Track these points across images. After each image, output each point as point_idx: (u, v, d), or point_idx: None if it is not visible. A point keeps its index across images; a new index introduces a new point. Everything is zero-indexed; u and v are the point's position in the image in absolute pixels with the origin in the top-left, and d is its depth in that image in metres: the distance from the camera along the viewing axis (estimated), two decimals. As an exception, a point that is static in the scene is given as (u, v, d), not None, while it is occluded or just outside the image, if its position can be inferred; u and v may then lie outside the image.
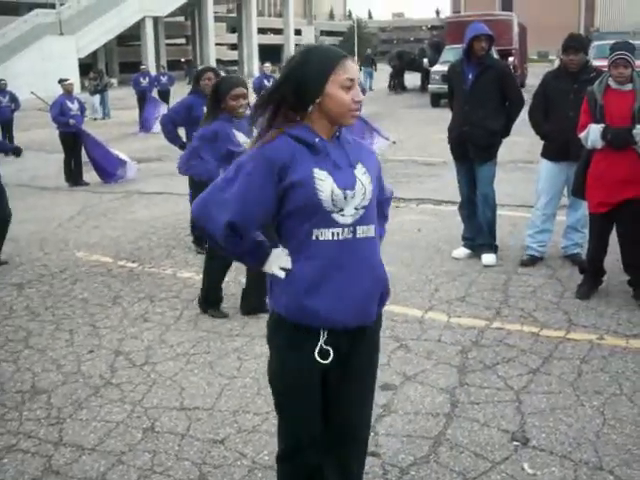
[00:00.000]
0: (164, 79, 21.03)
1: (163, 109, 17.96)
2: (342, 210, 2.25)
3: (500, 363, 4.37)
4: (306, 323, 2.29)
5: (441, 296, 5.59)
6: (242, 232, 2.28)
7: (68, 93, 11.80)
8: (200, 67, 53.05)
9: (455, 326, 4.98)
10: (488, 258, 6.34)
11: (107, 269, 6.70)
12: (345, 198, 2.24)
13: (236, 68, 65.35)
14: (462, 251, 6.58)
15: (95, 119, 23.54)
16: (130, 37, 58.51)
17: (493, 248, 6.42)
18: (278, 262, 2.31)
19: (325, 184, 2.22)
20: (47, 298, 5.96)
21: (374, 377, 2.57)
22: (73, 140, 11.56)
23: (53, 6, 51.83)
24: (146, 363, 4.60)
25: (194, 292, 5.84)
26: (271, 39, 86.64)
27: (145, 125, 19.17)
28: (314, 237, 2.24)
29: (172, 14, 60.93)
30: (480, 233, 6.42)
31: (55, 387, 4.33)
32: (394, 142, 12.60)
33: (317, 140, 2.25)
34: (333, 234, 2.25)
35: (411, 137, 15.04)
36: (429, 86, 23.98)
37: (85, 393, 4.22)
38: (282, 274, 2.30)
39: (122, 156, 11.73)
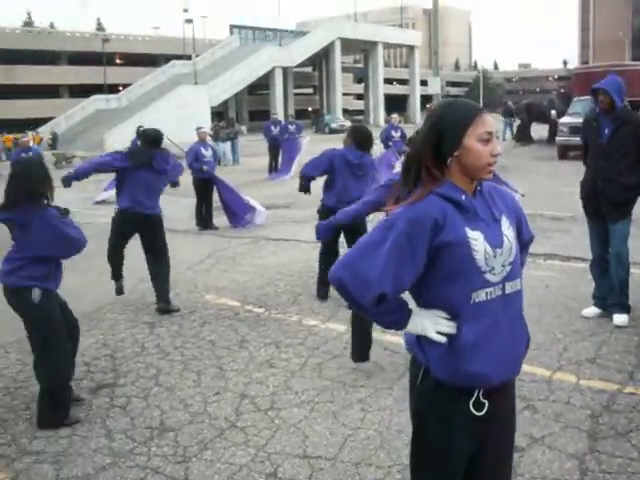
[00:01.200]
0: (292, 127, 21.64)
1: (297, 156, 18.64)
2: (493, 269, 2.23)
3: (634, 431, 4.14)
4: (465, 385, 2.25)
5: (570, 356, 5.38)
6: (390, 297, 2.24)
7: (202, 141, 12.34)
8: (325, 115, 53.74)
9: (585, 389, 4.78)
10: (620, 318, 6.07)
11: (234, 313, 6.89)
12: (495, 256, 2.23)
13: (362, 117, 66.44)
14: (592, 310, 6.33)
15: (225, 165, 24.47)
16: (260, 86, 60.82)
17: (625, 308, 6.14)
18: (436, 326, 2.24)
19: (479, 244, 2.20)
20: (177, 338, 6.20)
21: (514, 432, 2.50)
22: (205, 185, 12.05)
23: (189, 57, 54.79)
24: (271, 408, 4.67)
25: (319, 340, 5.91)
26: (397, 89, 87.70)
27: (281, 171, 19.91)
28: (472, 300, 2.20)
29: (301, 64, 62.92)
30: (612, 292, 6.17)
31: (182, 426, 4.48)
32: (522, 195, 12.36)
33: (464, 197, 2.24)
34: (487, 294, 2.22)
35: (538, 190, 14.67)
36: (557, 138, 23.41)
37: (210, 434, 4.34)
38: (442, 339, 2.23)
39: (252, 202, 12.09)
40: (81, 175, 7.22)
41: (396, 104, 63.91)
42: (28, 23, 76.82)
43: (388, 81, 78.72)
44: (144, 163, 6.95)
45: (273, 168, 21.17)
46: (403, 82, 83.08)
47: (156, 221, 7.15)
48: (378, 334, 5.45)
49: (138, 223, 7.09)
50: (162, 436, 4.36)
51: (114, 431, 4.46)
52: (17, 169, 4.71)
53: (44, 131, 45.15)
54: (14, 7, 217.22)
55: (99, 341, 6.19)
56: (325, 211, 6.87)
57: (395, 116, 17.46)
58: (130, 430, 4.46)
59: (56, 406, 4.60)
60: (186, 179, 13.58)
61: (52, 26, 73.36)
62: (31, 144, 17.83)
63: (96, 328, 6.55)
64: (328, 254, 6.94)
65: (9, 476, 4.03)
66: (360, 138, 7.11)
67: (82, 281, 8.07)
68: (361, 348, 5.21)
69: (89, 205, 15.73)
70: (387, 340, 5.70)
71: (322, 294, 7.15)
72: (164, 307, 7.00)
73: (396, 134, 15.95)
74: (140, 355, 5.79)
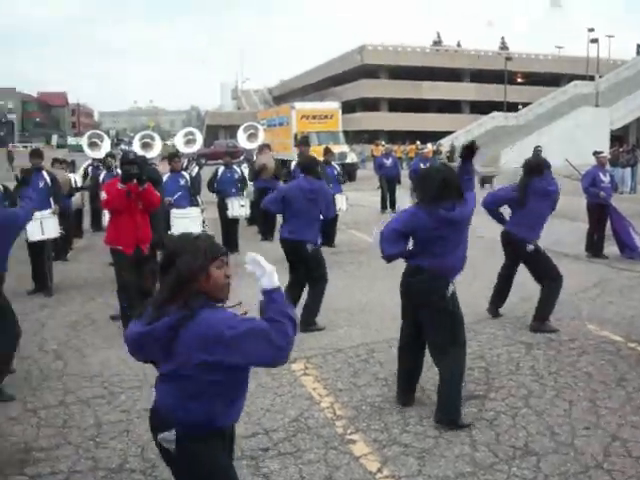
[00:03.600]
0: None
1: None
2: None
3: None
4: None
5: None
6: None
7: (602, 165, 11.86)
8: None
9: None
10: None
11: (616, 348, 6.54)
12: None
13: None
14: None
15: (622, 193, 23.13)
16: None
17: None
18: None
19: None
20: (552, 363, 6.11)
21: None
22: (600, 211, 11.54)
23: (592, 78, 52.81)
24: (645, 456, 4.38)
25: None
26: None
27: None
28: None
29: None
30: None
31: (546, 453, 4.43)
32: None
33: None
34: None
35: None
36: None
37: (574, 468, 4.23)
38: None
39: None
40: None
41: None
42: (437, 42, 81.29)
43: None
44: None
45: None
46: None
47: None
48: None
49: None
50: (524, 458, 4.37)
51: (478, 442, 4.60)
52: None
53: (444, 144, 47.40)
54: (426, 28, 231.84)
55: (475, 352, 6.39)
56: None
57: None
58: (494, 445, 4.56)
59: None
60: (577, 202, 13.27)
61: (458, 45, 76.50)
62: (430, 155, 18.82)
63: (474, 339, 6.75)
64: None
65: (378, 459, 4.43)
66: None
67: (468, 290, 8.36)
68: None
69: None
70: None
71: None
72: (537, 327, 7.07)
73: None
74: (514, 374, 5.85)
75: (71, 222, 12.72)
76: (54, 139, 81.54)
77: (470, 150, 5.36)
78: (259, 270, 2.76)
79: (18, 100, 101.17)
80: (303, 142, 11.69)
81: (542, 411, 5.06)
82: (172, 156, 11.24)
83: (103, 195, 7.48)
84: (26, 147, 66.42)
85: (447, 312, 4.91)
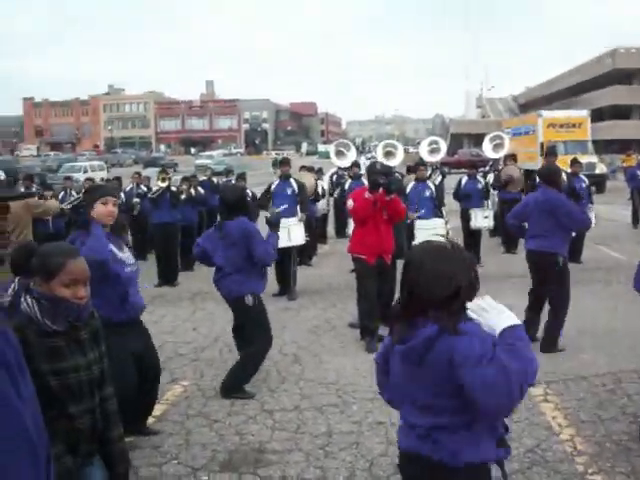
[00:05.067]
0: None
1: None
2: None
3: None
4: None
5: None
6: None
7: None
8: None
9: None
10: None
11: None
12: None
13: None
14: None
15: None
16: None
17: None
18: None
19: None
20: None
21: None
22: None
23: None
24: None
25: None
26: None
27: None
28: None
29: None
30: None
31: None
32: None
33: None
34: None
35: None
36: None
37: None
38: None
39: None
40: None
41: None
42: None
43: None
44: None
45: None
46: None
47: None
48: None
49: None
50: None
51: None
52: None
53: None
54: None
55: None
56: None
57: None
58: None
59: None
60: None
61: None
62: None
63: None
64: None
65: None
66: None
67: None
68: None
69: None
70: None
71: None
72: None
73: None
74: None
75: (316, 228, 13.21)
76: (304, 147, 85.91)
77: None
78: (487, 315, 2.51)
79: (272, 110, 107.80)
80: (550, 152, 11.03)
81: None
82: (418, 164, 11.19)
83: (350, 203, 7.61)
84: (278, 154, 70.75)
85: None
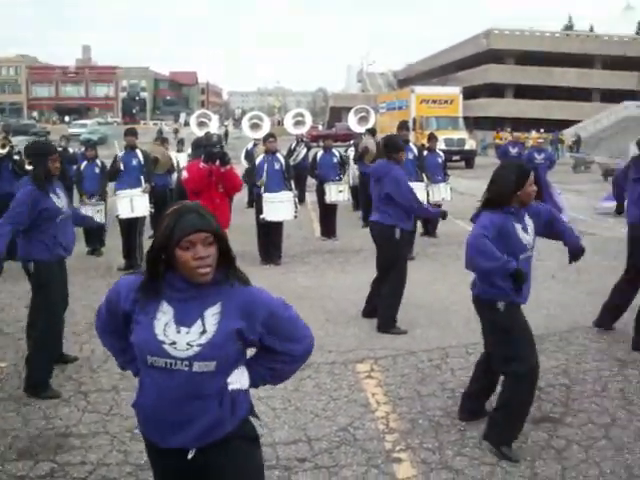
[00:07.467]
0: None
1: None
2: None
3: None
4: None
5: None
6: None
7: None
8: None
9: None
10: None
11: None
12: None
13: None
14: None
15: None
16: None
17: None
18: None
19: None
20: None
21: None
22: None
23: None
24: None
25: None
26: None
27: None
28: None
29: None
30: None
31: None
32: None
33: None
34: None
35: None
36: None
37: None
38: None
39: None
40: None
41: None
42: (569, 27, 77.80)
43: None
44: None
45: None
46: None
47: None
48: None
49: None
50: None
51: (540, 476, 4.04)
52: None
53: (567, 133, 45.14)
54: (558, 12, 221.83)
55: (560, 367, 5.77)
56: None
57: None
58: (558, 481, 3.98)
59: None
60: None
61: (591, 29, 72.80)
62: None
63: (562, 351, 6.14)
64: None
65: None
66: None
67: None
68: None
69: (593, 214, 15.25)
70: None
71: None
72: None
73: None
74: (598, 396, 5.18)
75: (171, 199, 12.79)
76: (182, 117, 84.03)
77: None
78: None
79: (151, 79, 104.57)
80: (401, 126, 10.65)
81: (622, 446, 4.40)
82: (267, 136, 10.79)
83: (184, 174, 7.37)
84: (156, 124, 68.84)
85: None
